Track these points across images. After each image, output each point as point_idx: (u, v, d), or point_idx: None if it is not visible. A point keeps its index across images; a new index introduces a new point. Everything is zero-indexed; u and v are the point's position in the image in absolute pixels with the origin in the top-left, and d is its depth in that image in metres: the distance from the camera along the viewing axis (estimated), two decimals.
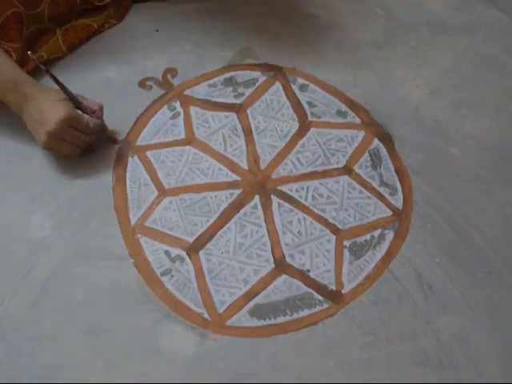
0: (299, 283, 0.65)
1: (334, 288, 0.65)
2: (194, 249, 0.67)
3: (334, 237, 0.69)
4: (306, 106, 0.81)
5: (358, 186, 0.73)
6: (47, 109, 0.65)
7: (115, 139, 0.74)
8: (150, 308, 0.62)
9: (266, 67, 0.85)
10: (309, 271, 0.66)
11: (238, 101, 0.81)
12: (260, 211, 0.70)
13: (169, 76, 0.83)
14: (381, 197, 0.73)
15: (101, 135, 0.73)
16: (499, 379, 0.60)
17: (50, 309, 0.61)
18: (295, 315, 0.63)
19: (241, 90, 0.82)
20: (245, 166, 0.74)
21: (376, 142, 0.78)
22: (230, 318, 0.62)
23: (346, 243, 0.68)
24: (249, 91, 0.82)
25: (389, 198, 0.73)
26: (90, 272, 0.64)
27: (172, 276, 0.64)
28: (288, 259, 0.67)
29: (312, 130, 0.79)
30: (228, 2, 0.94)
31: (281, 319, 0.62)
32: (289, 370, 0.59)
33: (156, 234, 0.67)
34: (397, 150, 0.77)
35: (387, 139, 0.78)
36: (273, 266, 0.66)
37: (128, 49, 0.85)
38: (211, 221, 0.69)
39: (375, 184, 0.74)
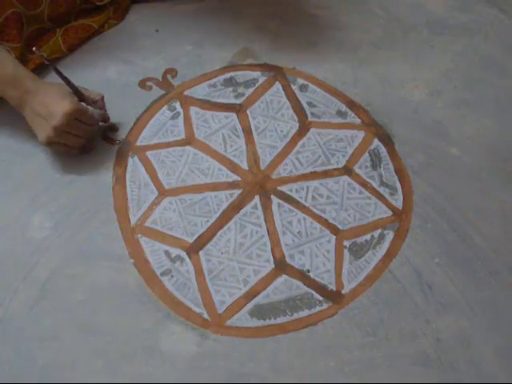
0: (299, 283, 0.65)
1: (333, 288, 0.65)
2: (194, 249, 0.67)
3: (334, 237, 0.69)
4: (305, 106, 0.81)
5: (357, 186, 0.73)
6: (52, 103, 0.64)
7: (113, 140, 0.74)
8: (150, 308, 0.62)
9: (266, 67, 0.85)
10: (309, 271, 0.66)
11: (238, 101, 0.81)
12: (260, 211, 0.70)
13: (169, 76, 0.83)
14: (381, 197, 0.73)
15: (101, 132, 0.73)
16: (499, 379, 0.60)
17: (50, 309, 0.61)
18: (295, 315, 0.63)
19: (241, 90, 0.82)
20: (245, 166, 0.74)
21: (376, 142, 0.78)
22: (230, 318, 0.62)
23: (346, 243, 0.68)
24: (249, 91, 0.82)
25: (389, 198, 0.73)
26: (90, 272, 0.64)
27: (172, 276, 0.64)
28: (288, 259, 0.67)
29: (312, 130, 0.79)
30: (228, 2, 0.94)
31: (281, 319, 0.62)
32: (289, 370, 0.59)
33: (156, 234, 0.67)
34: (397, 150, 0.77)
35: (387, 139, 0.78)
36: (273, 266, 0.66)
37: (128, 49, 0.85)
38: (211, 221, 0.69)
39: (375, 184, 0.74)
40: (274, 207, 0.71)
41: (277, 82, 0.84)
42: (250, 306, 0.63)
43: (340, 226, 0.70)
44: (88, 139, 0.71)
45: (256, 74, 0.84)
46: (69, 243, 0.66)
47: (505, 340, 0.62)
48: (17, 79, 0.65)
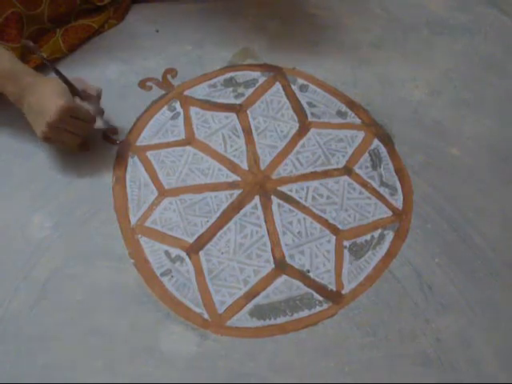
0: (299, 283, 0.65)
1: (333, 288, 0.65)
2: (194, 249, 0.67)
3: (334, 237, 0.69)
4: (305, 106, 0.81)
5: (357, 187, 0.73)
6: (47, 100, 0.64)
7: (113, 140, 0.74)
8: (150, 308, 0.62)
9: (265, 67, 0.85)
10: (309, 271, 0.66)
11: (238, 101, 0.81)
12: (260, 211, 0.70)
13: (169, 76, 0.83)
14: (381, 197, 0.73)
15: (100, 132, 0.73)
16: (499, 379, 0.60)
17: (50, 309, 0.61)
18: (295, 315, 0.63)
19: (241, 90, 0.82)
20: (245, 166, 0.74)
21: (376, 142, 0.78)
22: (230, 319, 0.62)
23: (346, 243, 0.68)
24: (249, 91, 0.82)
25: (389, 198, 0.73)
26: (90, 272, 0.64)
27: (172, 276, 0.64)
28: (288, 259, 0.67)
29: (312, 130, 0.79)
30: (228, 2, 0.94)
31: (281, 319, 0.62)
32: (289, 370, 0.59)
33: (156, 235, 0.67)
34: (397, 150, 0.77)
35: (387, 139, 0.78)
36: (273, 266, 0.66)
37: (128, 49, 0.85)
38: (211, 221, 0.69)
39: (375, 184, 0.74)
40: (274, 207, 0.71)
41: (277, 82, 0.84)
42: (250, 306, 0.63)
43: (340, 226, 0.70)
44: (86, 136, 0.71)
45: (256, 74, 0.84)
46: (69, 243, 0.66)
47: (505, 340, 0.63)
48: (15, 74, 0.65)
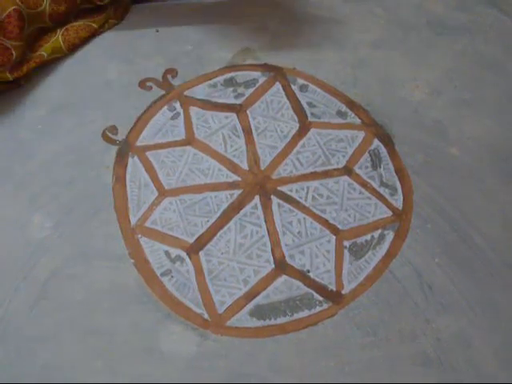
0: (299, 283, 0.65)
1: (334, 288, 0.65)
2: (194, 249, 0.67)
3: (334, 237, 0.69)
4: (306, 106, 0.81)
5: (358, 187, 0.73)
6: None
7: (113, 140, 0.73)
8: (150, 308, 0.62)
9: (266, 68, 0.85)
10: (309, 271, 0.66)
11: (238, 101, 0.81)
12: (260, 211, 0.70)
13: (169, 76, 0.83)
14: (381, 197, 0.73)
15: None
16: (499, 379, 0.60)
17: (50, 309, 0.61)
18: (295, 315, 0.63)
19: (241, 90, 0.82)
20: (245, 166, 0.74)
21: (376, 142, 0.78)
22: (230, 319, 0.62)
23: (346, 243, 0.68)
24: (249, 91, 0.82)
25: (389, 198, 0.73)
26: (90, 272, 0.64)
27: (172, 276, 0.64)
28: (288, 259, 0.67)
29: (312, 130, 0.79)
30: (228, 2, 0.94)
31: (281, 319, 0.62)
32: (289, 371, 0.59)
33: (156, 235, 0.67)
34: (397, 150, 0.77)
35: (387, 139, 0.78)
36: (273, 266, 0.66)
37: (128, 49, 0.85)
38: (211, 221, 0.69)
39: (375, 184, 0.74)
40: (274, 207, 0.71)
41: (277, 82, 0.84)
42: (250, 306, 0.63)
43: (340, 226, 0.70)
44: None
45: (256, 74, 0.84)
46: (69, 243, 0.66)
47: (505, 340, 0.62)
48: None
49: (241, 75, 0.84)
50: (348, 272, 0.66)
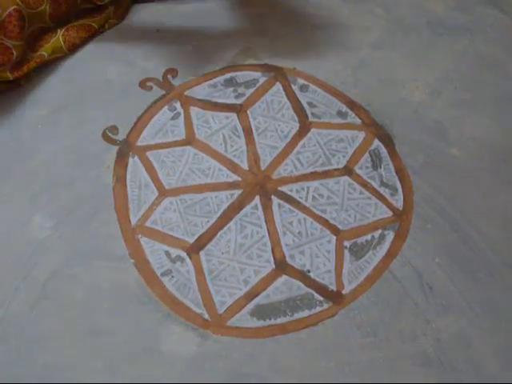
0: (299, 284, 0.65)
1: (334, 288, 0.65)
2: (194, 249, 0.67)
3: (335, 237, 0.69)
4: (306, 106, 0.81)
5: (358, 187, 0.73)
6: None
7: (113, 140, 0.73)
8: (151, 308, 0.62)
9: (266, 68, 0.85)
10: (309, 272, 0.66)
11: (239, 101, 0.81)
12: (260, 212, 0.70)
13: (169, 76, 0.83)
14: (381, 197, 0.73)
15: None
16: (499, 379, 0.60)
17: (50, 309, 0.61)
18: (295, 316, 0.63)
19: (241, 90, 0.82)
20: (245, 166, 0.74)
21: (376, 142, 0.78)
22: (230, 319, 0.62)
23: (347, 244, 0.68)
24: (249, 92, 0.82)
25: (389, 198, 0.73)
26: (90, 272, 0.64)
27: (172, 276, 0.64)
28: (288, 260, 0.67)
29: (312, 130, 0.79)
30: (228, 3, 0.94)
31: (281, 320, 0.62)
32: (289, 371, 0.59)
33: (156, 235, 0.67)
34: (397, 150, 0.77)
35: (387, 140, 0.78)
36: (273, 266, 0.66)
37: (128, 49, 0.85)
38: (211, 221, 0.69)
39: (375, 184, 0.74)
40: (275, 207, 0.71)
41: (277, 83, 0.84)
42: (250, 306, 0.63)
43: (340, 227, 0.70)
44: None
45: (256, 74, 0.84)
46: (69, 243, 0.66)
47: (505, 340, 0.63)
48: None
49: (241, 75, 0.84)
50: (348, 272, 0.66)
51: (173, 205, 0.70)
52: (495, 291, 0.66)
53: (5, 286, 0.62)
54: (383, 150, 0.77)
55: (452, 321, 0.63)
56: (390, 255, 0.68)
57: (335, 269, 0.66)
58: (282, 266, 0.66)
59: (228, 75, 0.84)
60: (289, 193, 0.72)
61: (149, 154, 0.74)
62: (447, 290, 0.65)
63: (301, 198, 0.72)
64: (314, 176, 0.74)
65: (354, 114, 0.81)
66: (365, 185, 0.74)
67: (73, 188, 0.70)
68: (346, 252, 0.68)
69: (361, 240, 0.69)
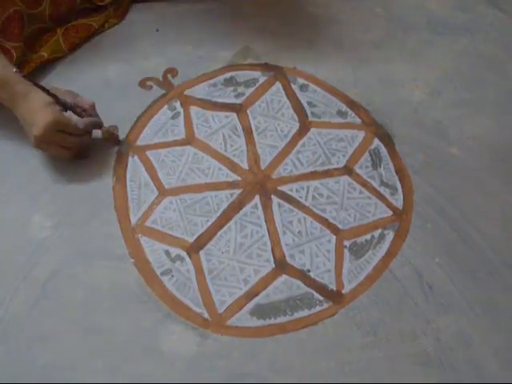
0: (299, 283, 0.65)
1: (334, 288, 0.65)
2: (194, 249, 0.67)
3: (335, 237, 0.69)
4: (306, 105, 0.81)
5: (358, 186, 0.73)
6: (36, 112, 0.64)
7: (116, 138, 0.74)
8: (150, 308, 0.62)
9: (266, 67, 0.85)
10: (309, 271, 0.66)
11: (239, 101, 0.81)
12: (260, 211, 0.70)
13: (169, 76, 0.83)
14: (381, 197, 0.73)
15: (101, 138, 0.73)
16: (499, 379, 0.60)
17: (50, 309, 0.61)
18: (295, 315, 0.63)
19: (241, 89, 0.82)
20: (245, 165, 0.74)
21: (376, 141, 0.78)
22: (230, 318, 0.62)
23: (347, 243, 0.68)
24: (249, 91, 0.82)
25: (389, 197, 0.73)
26: (90, 272, 0.64)
27: (172, 276, 0.64)
28: (288, 259, 0.67)
29: (312, 129, 0.79)
30: (228, 2, 0.94)
31: (281, 319, 0.62)
32: (289, 370, 0.59)
33: (156, 234, 0.67)
34: (397, 149, 0.77)
35: (387, 139, 0.78)
36: (273, 265, 0.66)
37: (128, 49, 0.85)
38: (211, 221, 0.69)
39: (375, 184, 0.74)
40: (275, 207, 0.71)
41: (277, 82, 0.83)
42: (250, 305, 0.63)
43: (340, 226, 0.70)
44: (79, 148, 0.70)
45: (256, 73, 0.84)
46: (69, 243, 0.66)
47: (505, 340, 0.62)
48: (6, 81, 0.65)
49: (241, 75, 0.84)
50: (348, 271, 0.66)
51: (173, 204, 0.70)
52: (495, 291, 0.66)
53: (5, 286, 0.62)
54: (383, 150, 0.77)
55: (452, 320, 0.63)
56: (390, 255, 0.68)
57: (335, 268, 0.66)
58: (281, 266, 0.66)
59: (228, 75, 0.84)
60: (289, 192, 0.72)
61: (149, 153, 0.74)
62: (447, 289, 0.65)
63: (301, 197, 0.72)
64: (313, 175, 0.74)
65: (353, 114, 0.81)
66: (365, 184, 0.74)
67: (73, 188, 0.70)
68: (346, 251, 0.68)
69: (361, 239, 0.69)
